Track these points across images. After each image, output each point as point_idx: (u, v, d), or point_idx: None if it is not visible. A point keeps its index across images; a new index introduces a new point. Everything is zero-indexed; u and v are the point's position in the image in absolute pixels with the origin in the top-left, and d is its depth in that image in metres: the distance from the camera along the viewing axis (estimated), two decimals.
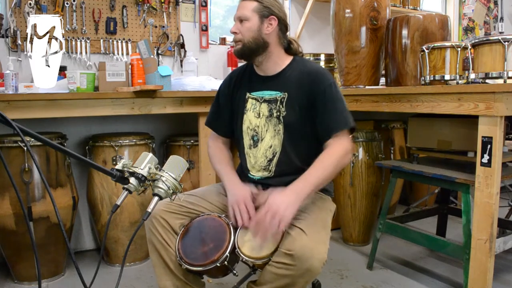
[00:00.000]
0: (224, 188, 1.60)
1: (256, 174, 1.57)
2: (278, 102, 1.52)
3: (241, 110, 1.59)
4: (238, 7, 1.54)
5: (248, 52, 1.53)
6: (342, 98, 1.50)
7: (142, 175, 1.16)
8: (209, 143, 1.73)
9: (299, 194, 1.32)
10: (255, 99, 1.57)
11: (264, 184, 1.55)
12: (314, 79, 1.49)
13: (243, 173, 1.62)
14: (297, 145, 1.51)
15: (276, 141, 1.53)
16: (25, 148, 2.04)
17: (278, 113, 1.52)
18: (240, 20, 1.52)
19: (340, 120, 1.46)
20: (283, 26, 1.54)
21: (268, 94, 1.55)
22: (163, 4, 2.82)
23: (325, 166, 1.39)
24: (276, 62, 1.56)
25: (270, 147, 1.54)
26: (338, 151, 1.43)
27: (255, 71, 1.61)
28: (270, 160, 1.54)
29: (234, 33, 1.53)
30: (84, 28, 2.62)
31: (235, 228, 1.43)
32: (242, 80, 1.63)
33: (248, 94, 1.59)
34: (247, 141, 1.59)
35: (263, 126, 1.55)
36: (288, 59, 1.57)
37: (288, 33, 1.60)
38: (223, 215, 1.49)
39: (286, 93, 1.52)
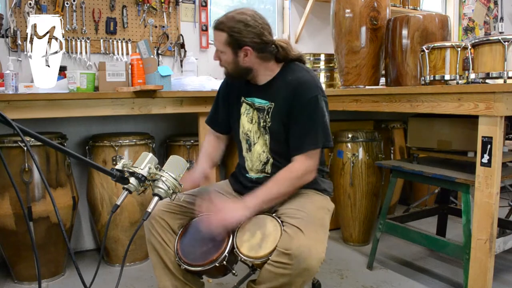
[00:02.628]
0: (223, 187, 1.62)
1: (254, 175, 1.58)
2: (265, 112, 1.52)
3: (237, 114, 1.60)
4: (213, 35, 1.50)
5: (234, 78, 1.55)
6: (323, 113, 1.45)
7: (142, 175, 1.16)
8: (205, 137, 1.77)
9: (248, 206, 1.38)
10: (249, 104, 1.57)
11: (263, 183, 1.56)
12: (297, 90, 1.44)
13: (241, 173, 1.63)
14: (284, 153, 1.51)
15: (266, 148, 1.54)
16: (25, 148, 2.04)
17: (264, 123, 1.52)
18: (217, 50, 1.50)
19: (311, 139, 1.43)
20: (261, 46, 1.45)
21: (258, 102, 1.55)
22: (163, 4, 2.82)
23: (279, 184, 1.42)
24: (266, 73, 1.53)
25: (263, 152, 1.55)
26: (298, 169, 1.43)
27: (248, 80, 1.60)
28: (265, 164, 1.55)
29: (217, 60, 1.53)
30: (84, 28, 2.62)
31: (234, 228, 1.44)
32: (240, 83, 1.62)
33: (243, 98, 1.59)
34: (244, 144, 1.60)
35: (254, 133, 1.55)
36: (278, 67, 1.54)
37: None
38: None
39: (273, 103, 1.51)
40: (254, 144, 1.56)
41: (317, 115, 1.44)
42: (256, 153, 1.56)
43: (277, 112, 1.49)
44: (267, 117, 1.51)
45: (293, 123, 1.45)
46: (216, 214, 1.35)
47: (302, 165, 1.43)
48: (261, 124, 1.52)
